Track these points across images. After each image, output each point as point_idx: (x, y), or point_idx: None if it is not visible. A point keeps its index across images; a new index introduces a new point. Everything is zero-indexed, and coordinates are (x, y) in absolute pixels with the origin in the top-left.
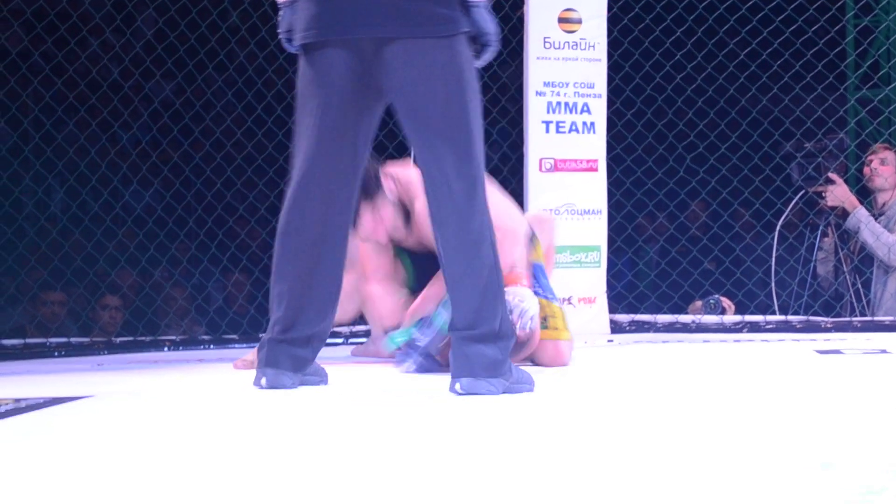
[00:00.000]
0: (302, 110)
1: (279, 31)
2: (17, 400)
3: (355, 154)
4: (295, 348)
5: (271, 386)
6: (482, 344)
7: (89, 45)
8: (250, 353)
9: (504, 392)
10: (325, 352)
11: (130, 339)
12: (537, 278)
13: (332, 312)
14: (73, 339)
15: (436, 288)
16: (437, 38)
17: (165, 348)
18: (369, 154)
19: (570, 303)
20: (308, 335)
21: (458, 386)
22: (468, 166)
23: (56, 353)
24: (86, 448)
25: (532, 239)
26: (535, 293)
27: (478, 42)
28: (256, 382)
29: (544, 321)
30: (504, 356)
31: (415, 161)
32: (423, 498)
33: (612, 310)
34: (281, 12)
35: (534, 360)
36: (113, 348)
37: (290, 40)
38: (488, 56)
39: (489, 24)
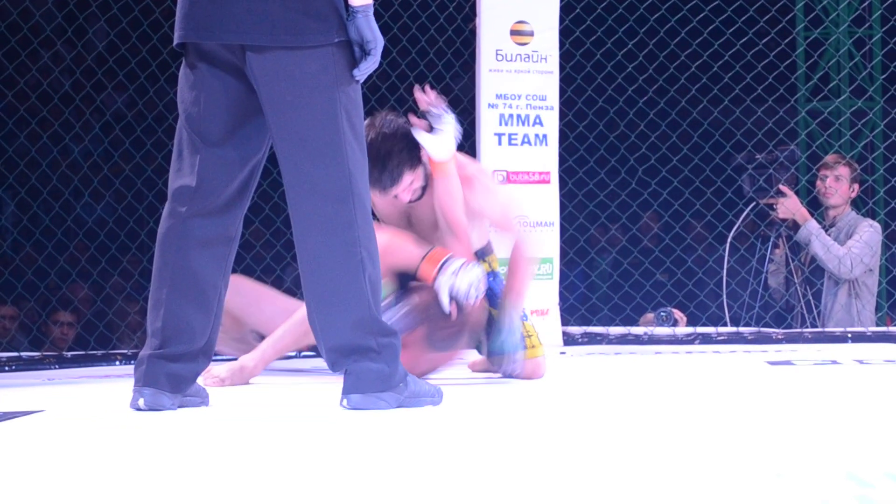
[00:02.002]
0: (182, 117)
1: None
2: None
3: (242, 160)
4: (175, 365)
5: (150, 407)
6: (366, 359)
7: (40, 57)
8: (221, 370)
9: (399, 406)
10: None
11: (82, 353)
12: (498, 296)
13: (216, 327)
14: (23, 353)
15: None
16: (305, 47)
17: (117, 362)
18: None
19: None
20: (189, 351)
21: (345, 402)
22: (338, 181)
23: (6, 368)
24: (36, 464)
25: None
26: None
27: (361, 49)
28: (133, 404)
29: (522, 340)
30: (392, 367)
31: None
32: None
33: (564, 322)
34: None
35: (511, 376)
36: (64, 362)
37: None
38: (370, 64)
39: (372, 31)
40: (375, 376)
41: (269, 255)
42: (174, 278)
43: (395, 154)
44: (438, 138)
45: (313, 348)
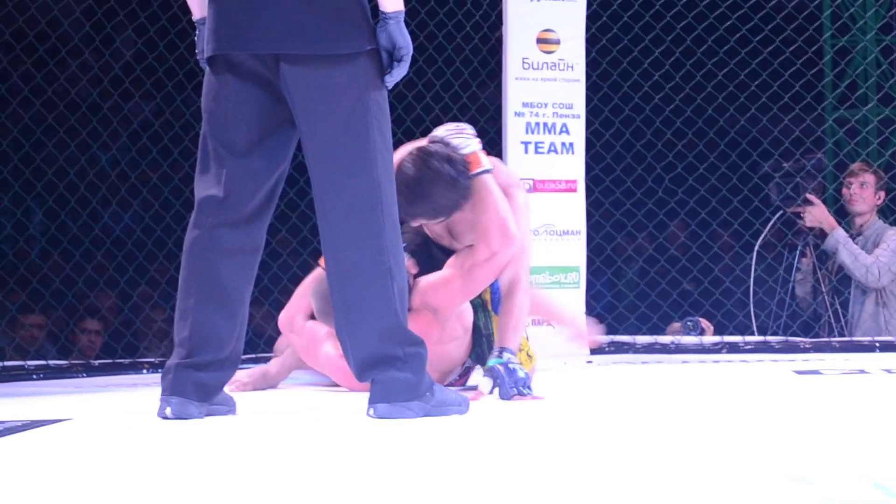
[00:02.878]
0: (207, 128)
1: (197, 50)
2: None
3: (268, 171)
4: (202, 374)
5: (177, 416)
6: (393, 368)
7: (68, 66)
8: (243, 375)
9: (425, 415)
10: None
11: (109, 361)
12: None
13: (241, 336)
14: (51, 362)
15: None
16: (339, 56)
17: (144, 370)
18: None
19: (549, 324)
20: (215, 360)
21: (371, 411)
22: (367, 191)
23: (34, 376)
24: (63, 472)
25: None
26: None
27: (392, 57)
28: (160, 413)
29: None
30: (418, 376)
31: None
32: None
33: None
34: (196, 31)
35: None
36: (91, 371)
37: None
38: (401, 71)
39: (404, 37)
40: (402, 385)
41: (296, 263)
42: (201, 288)
43: (437, 198)
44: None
45: None
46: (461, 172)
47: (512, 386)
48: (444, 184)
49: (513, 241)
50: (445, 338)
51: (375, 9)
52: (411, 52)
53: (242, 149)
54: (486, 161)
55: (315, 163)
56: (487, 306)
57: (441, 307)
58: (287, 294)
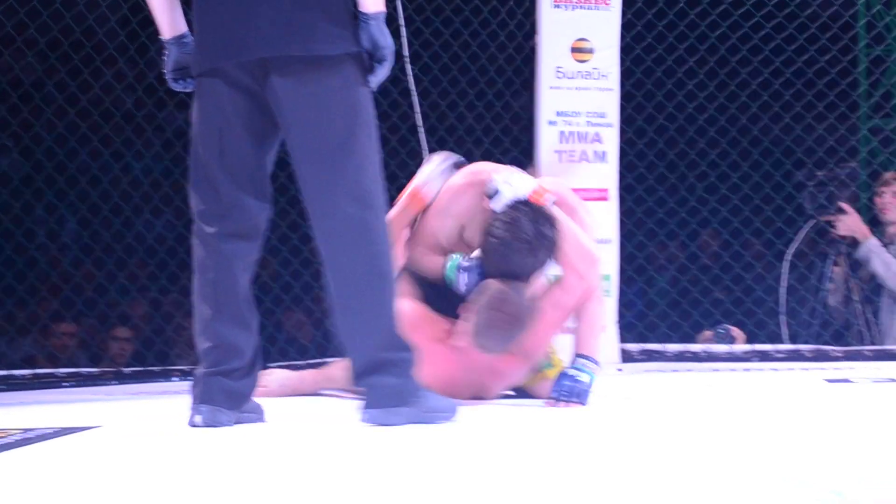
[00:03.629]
0: (198, 143)
1: (165, 69)
2: (26, 430)
3: (262, 183)
4: (231, 381)
5: (207, 424)
6: (387, 374)
7: (103, 75)
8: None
9: (417, 422)
10: None
11: (140, 368)
12: None
13: (258, 340)
14: (82, 370)
15: None
16: (330, 57)
17: (175, 378)
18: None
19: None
20: (241, 367)
21: (363, 416)
22: (358, 195)
23: (65, 384)
24: (94, 479)
25: None
26: None
27: (374, 58)
28: (191, 421)
29: (548, 358)
30: (406, 381)
31: None
32: None
33: (622, 339)
34: (166, 50)
35: (530, 394)
36: (122, 378)
37: (176, 79)
38: (384, 72)
39: (385, 38)
40: (391, 391)
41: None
42: (217, 299)
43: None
44: (505, 187)
45: None
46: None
47: (556, 392)
48: (547, 250)
49: (596, 262)
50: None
51: None
52: (393, 51)
53: (234, 162)
54: (548, 190)
55: (304, 169)
56: None
57: (535, 347)
58: (318, 301)
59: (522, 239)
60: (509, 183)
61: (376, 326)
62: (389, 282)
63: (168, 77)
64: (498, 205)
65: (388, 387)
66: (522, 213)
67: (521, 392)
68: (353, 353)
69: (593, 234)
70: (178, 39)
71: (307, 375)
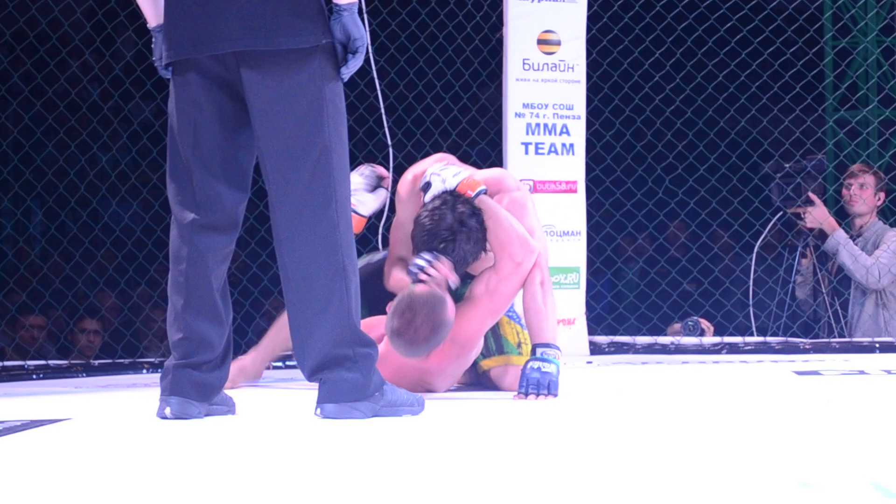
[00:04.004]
0: (174, 134)
1: (154, 57)
2: None
3: (239, 173)
4: (201, 374)
5: (176, 416)
6: (342, 368)
7: (69, 67)
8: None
9: (374, 416)
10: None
11: (109, 361)
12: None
13: (230, 333)
14: (51, 362)
15: None
16: (297, 51)
17: (144, 370)
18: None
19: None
20: (212, 359)
21: (319, 411)
22: (321, 189)
23: (34, 376)
24: (63, 471)
25: None
26: (510, 317)
27: (347, 49)
28: (160, 413)
29: (518, 346)
30: (367, 377)
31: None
32: None
33: (591, 331)
34: (154, 38)
35: (495, 385)
36: (91, 371)
37: (166, 66)
38: (357, 63)
39: (359, 29)
40: (350, 386)
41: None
42: (189, 291)
43: (463, 252)
44: (437, 182)
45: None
46: (482, 223)
47: (524, 386)
48: (467, 238)
49: (533, 249)
50: (472, 356)
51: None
52: (366, 43)
53: (208, 153)
54: (481, 181)
55: (268, 159)
56: None
57: (469, 338)
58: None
59: (443, 227)
60: (439, 175)
61: (335, 323)
62: (348, 278)
63: (157, 65)
64: (429, 197)
65: (346, 381)
66: (446, 204)
67: (489, 383)
68: (308, 349)
69: (536, 222)
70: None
71: (244, 360)
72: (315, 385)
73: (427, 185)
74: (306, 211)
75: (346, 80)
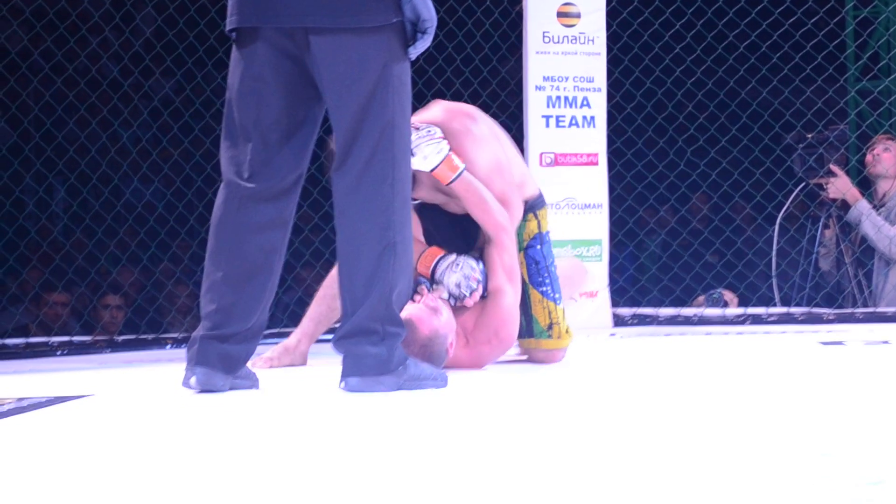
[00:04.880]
0: (232, 102)
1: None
2: (20, 399)
3: (297, 146)
4: (228, 346)
5: (202, 386)
6: (368, 343)
7: (89, 44)
8: (270, 350)
9: (398, 389)
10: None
11: (133, 337)
12: (541, 270)
13: (266, 309)
14: (75, 338)
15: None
16: (367, 29)
17: (168, 346)
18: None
19: (571, 297)
20: (241, 332)
21: (343, 385)
22: (381, 164)
23: (58, 352)
24: (87, 447)
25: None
26: (544, 294)
27: (417, 29)
28: (185, 382)
29: (549, 328)
30: (391, 352)
31: None
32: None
33: (614, 304)
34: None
35: (530, 359)
36: (115, 347)
37: None
38: (425, 43)
39: (429, 10)
40: (374, 360)
41: (318, 238)
42: (229, 262)
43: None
44: (416, 159)
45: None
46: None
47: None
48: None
49: (507, 224)
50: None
51: None
52: (435, 23)
53: (269, 124)
54: (458, 160)
55: (338, 135)
56: (525, 281)
57: (509, 330)
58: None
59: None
60: (421, 151)
61: (377, 297)
62: (397, 255)
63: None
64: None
65: (370, 356)
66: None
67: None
68: (345, 315)
69: (500, 149)
70: None
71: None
72: (336, 357)
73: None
74: (363, 185)
75: (413, 59)
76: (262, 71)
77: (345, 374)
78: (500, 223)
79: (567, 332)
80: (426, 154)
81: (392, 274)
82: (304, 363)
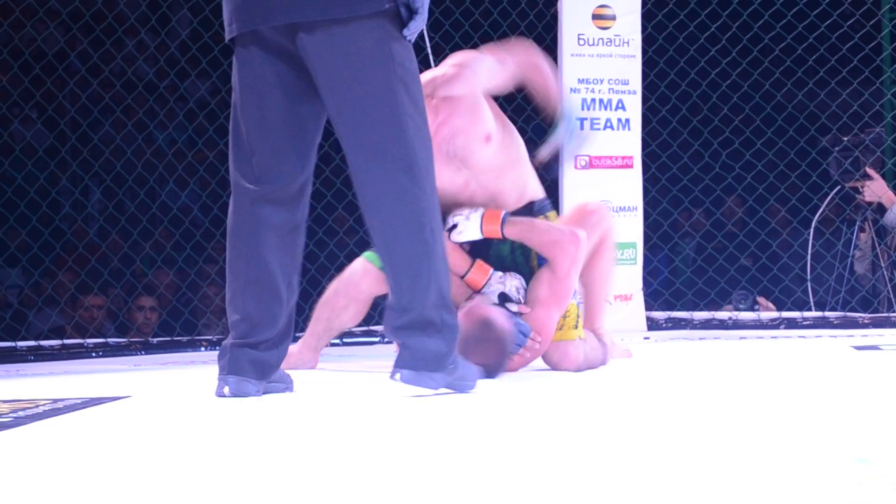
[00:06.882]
0: (237, 106)
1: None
2: (55, 400)
3: (303, 147)
4: (258, 353)
5: (234, 394)
6: (424, 335)
7: (125, 46)
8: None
9: (446, 387)
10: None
11: (168, 339)
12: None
13: (291, 311)
14: (110, 340)
15: None
16: (361, 17)
17: (202, 348)
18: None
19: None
20: (270, 338)
21: (397, 376)
22: (401, 154)
23: (94, 354)
24: (122, 449)
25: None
26: None
27: (408, 9)
28: (219, 392)
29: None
30: (449, 349)
31: None
32: None
33: (648, 307)
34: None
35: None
36: (150, 348)
37: None
38: (418, 24)
39: None
40: (433, 356)
41: (333, 241)
42: (248, 269)
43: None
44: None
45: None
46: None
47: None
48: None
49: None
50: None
51: None
52: (428, 2)
53: (271, 127)
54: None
55: (344, 133)
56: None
57: (546, 335)
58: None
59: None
60: (466, 219)
61: (430, 284)
62: (437, 239)
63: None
64: (458, 238)
65: (429, 350)
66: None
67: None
68: (402, 309)
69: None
70: None
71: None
72: (370, 360)
73: (453, 226)
74: (389, 179)
75: (411, 40)
76: (261, 73)
77: (398, 365)
78: (556, 240)
79: (576, 328)
80: (462, 229)
81: (439, 261)
82: (313, 366)
